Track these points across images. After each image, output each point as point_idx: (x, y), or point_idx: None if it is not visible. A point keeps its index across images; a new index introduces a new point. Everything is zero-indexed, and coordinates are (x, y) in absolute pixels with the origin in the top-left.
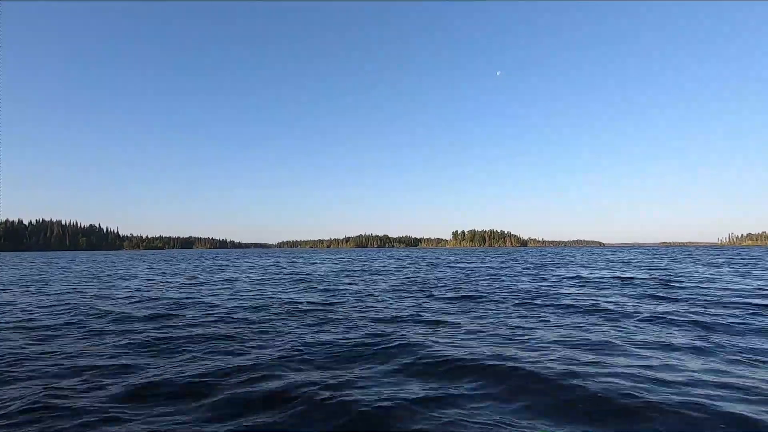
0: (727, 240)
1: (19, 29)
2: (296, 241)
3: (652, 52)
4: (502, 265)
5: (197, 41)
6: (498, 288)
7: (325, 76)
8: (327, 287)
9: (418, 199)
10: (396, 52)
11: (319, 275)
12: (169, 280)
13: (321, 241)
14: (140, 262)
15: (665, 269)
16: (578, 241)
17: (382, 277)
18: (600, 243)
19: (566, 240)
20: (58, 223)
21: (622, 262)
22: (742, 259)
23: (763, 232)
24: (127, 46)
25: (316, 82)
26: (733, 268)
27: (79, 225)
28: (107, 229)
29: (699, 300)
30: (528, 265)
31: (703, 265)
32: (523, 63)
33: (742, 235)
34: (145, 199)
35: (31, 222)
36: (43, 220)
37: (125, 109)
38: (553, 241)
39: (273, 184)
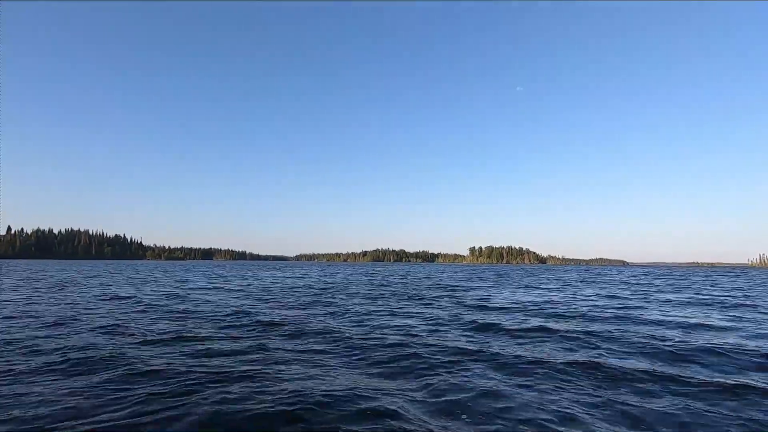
0: (758, 261)
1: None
2: (314, 254)
3: (680, 64)
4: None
5: (217, 47)
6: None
7: (346, 88)
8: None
9: (438, 215)
10: (415, 61)
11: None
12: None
13: (338, 255)
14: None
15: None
16: (600, 260)
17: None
18: (624, 262)
19: (587, 258)
20: (86, 232)
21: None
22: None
23: None
24: (144, 51)
25: (340, 96)
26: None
27: (105, 235)
28: (131, 239)
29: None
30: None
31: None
32: (543, 78)
33: None
34: (171, 211)
35: (60, 231)
36: (71, 229)
37: (154, 123)
38: (573, 259)
39: (294, 196)
